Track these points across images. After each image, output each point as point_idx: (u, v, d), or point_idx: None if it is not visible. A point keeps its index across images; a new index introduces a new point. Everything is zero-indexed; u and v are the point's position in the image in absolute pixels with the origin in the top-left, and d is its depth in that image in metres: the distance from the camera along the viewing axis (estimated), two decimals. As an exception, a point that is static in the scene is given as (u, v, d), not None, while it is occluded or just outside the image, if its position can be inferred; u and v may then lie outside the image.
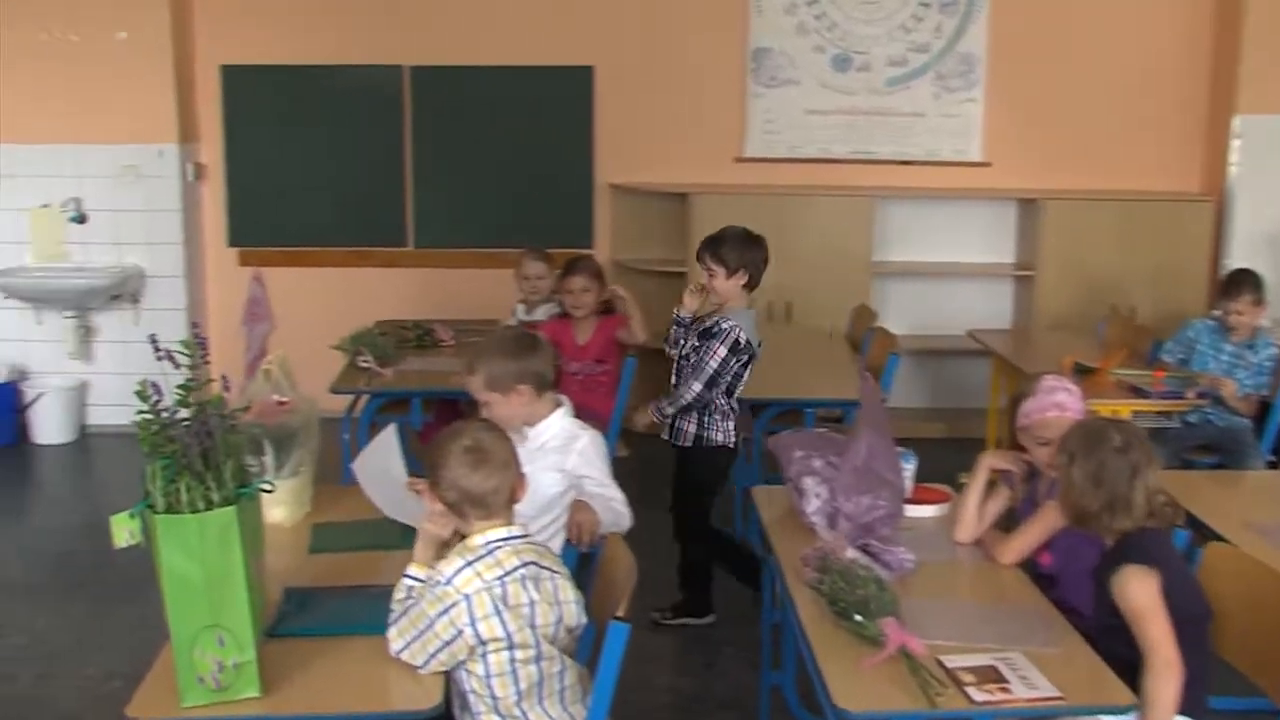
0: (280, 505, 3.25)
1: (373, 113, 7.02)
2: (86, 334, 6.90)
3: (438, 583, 2.49)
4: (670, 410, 4.39)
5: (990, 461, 3.31)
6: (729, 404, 4.42)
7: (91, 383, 6.96)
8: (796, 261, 6.71)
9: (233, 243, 7.16)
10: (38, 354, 6.95)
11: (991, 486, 3.31)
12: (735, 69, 7.03)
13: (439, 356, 5.46)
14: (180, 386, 2.36)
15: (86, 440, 6.90)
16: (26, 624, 4.62)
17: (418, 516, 2.78)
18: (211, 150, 7.08)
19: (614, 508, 3.31)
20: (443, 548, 2.67)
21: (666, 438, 4.48)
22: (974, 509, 3.25)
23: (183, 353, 2.39)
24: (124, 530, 2.32)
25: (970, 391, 7.05)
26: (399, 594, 2.58)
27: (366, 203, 7.12)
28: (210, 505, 2.28)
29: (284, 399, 3.33)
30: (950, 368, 7.24)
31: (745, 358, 4.34)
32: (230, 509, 2.29)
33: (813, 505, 3.26)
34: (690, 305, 4.43)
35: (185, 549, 2.27)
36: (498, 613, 2.48)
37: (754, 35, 6.99)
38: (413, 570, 2.62)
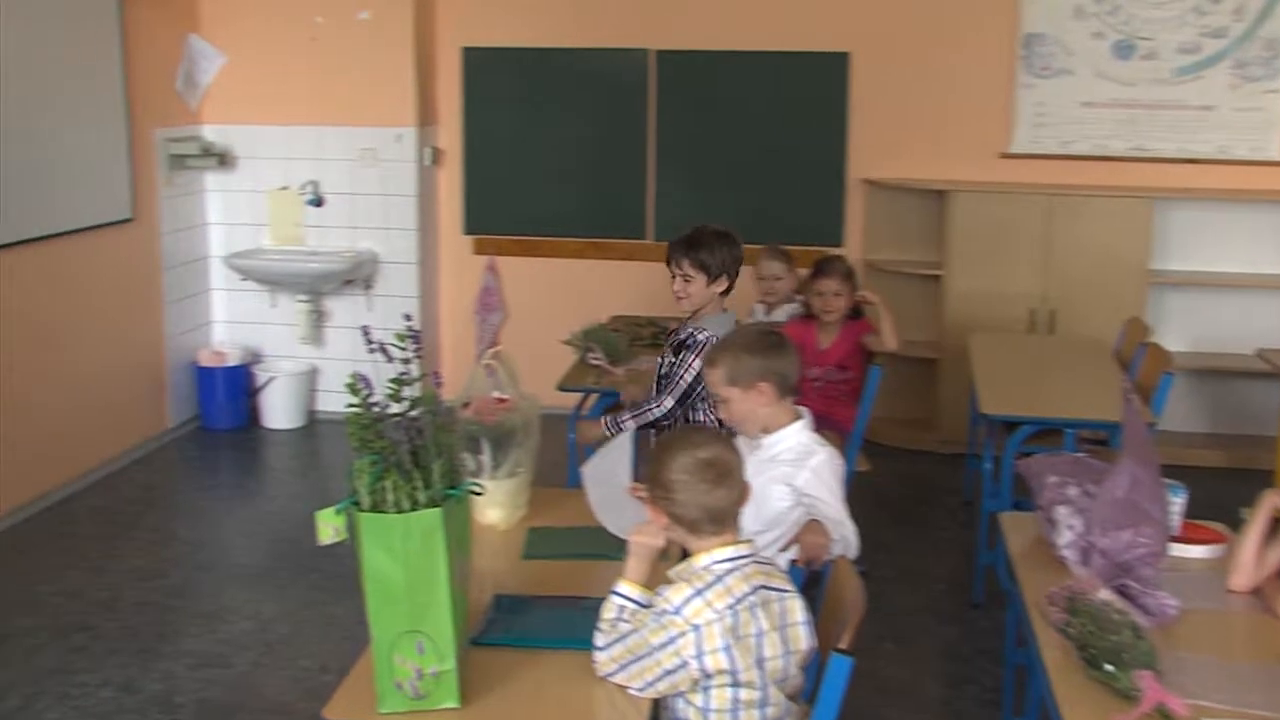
0: (495, 507, 3.29)
1: (615, 98, 7.08)
2: (318, 319, 7.18)
3: (664, 611, 2.45)
4: (630, 424, 4.19)
5: (1277, 500, 3.07)
6: (714, 419, 4.13)
7: (321, 368, 7.25)
8: (1063, 267, 6.47)
9: (468, 230, 7.35)
10: (271, 337, 7.28)
11: (1276, 527, 3.08)
12: (1004, 57, 6.80)
13: (676, 356, 5.46)
14: (391, 381, 2.40)
15: (315, 426, 7.19)
16: (251, 609, 4.83)
17: (623, 524, 2.77)
18: (450, 135, 7.28)
19: (845, 534, 3.23)
20: (656, 562, 2.65)
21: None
22: (1253, 552, 3.03)
23: (396, 345, 2.43)
24: (329, 527, 2.38)
25: (1257, 418, 6.64)
26: (608, 612, 2.55)
27: (605, 192, 7.20)
28: (416, 506, 2.32)
29: (504, 396, 3.37)
30: (1235, 390, 6.83)
31: None
32: (436, 511, 2.31)
33: (1065, 538, 3.11)
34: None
35: (388, 550, 2.30)
36: (726, 647, 2.43)
37: (1026, 20, 6.75)
38: (623, 588, 2.58)
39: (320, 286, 7.07)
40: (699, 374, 4.04)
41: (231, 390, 7.04)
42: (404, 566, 2.31)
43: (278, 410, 7.09)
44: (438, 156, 7.24)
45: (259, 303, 7.25)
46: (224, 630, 4.66)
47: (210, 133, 7.12)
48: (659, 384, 4.25)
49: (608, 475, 3.29)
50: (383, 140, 6.99)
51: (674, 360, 4.22)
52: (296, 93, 7.00)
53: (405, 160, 7.00)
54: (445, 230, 7.38)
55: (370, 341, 2.43)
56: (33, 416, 5.75)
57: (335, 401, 7.16)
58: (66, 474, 6.03)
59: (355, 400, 2.36)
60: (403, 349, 2.42)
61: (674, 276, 4.24)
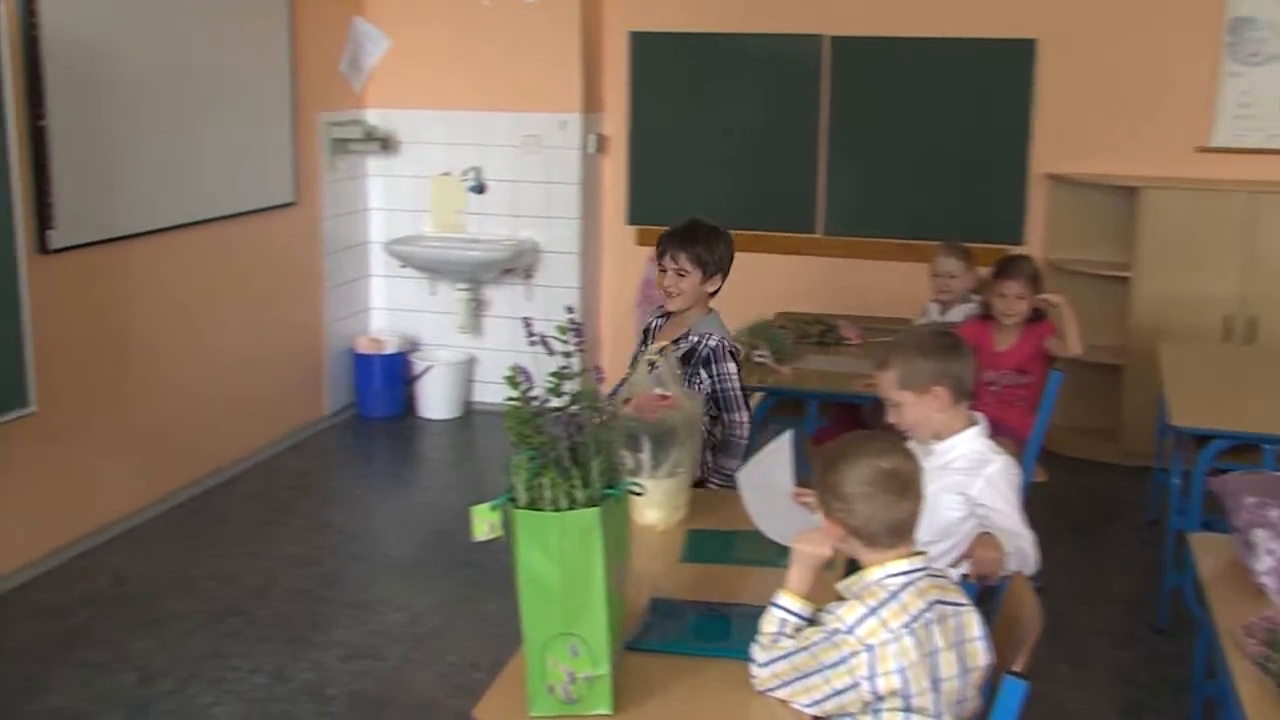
0: (654, 507, 3.28)
1: (787, 86, 7.02)
2: (477, 307, 7.27)
3: (836, 630, 2.41)
4: (736, 463, 3.88)
5: None
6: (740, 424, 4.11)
7: (479, 358, 7.34)
8: (1266, 272, 6.21)
9: (631, 220, 7.36)
10: (430, 325, 7.40)
11: None
12: (1207, 43, 6.55)
13: (842, 356, 5.41)
14: (552, 375, 2.40)
15: (471, 417, 7.28)
16: (402, 602, 4.91)
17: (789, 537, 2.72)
18: (615, 122, 7.31)
19: (1021, 547, 3.14)
20: (820, 571, 2.60)
21: None
22: None
23: (558, 338, 2.43)
24: (484, 523, 2.39)
25: None
26: (769, 626, 2.52)
27: (774, 184, 7.14)
28: (574, 504, 2.31)
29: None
30: None
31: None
32: (594, 510, 2.31)
33: (1264, 564, 2.98)
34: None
35: (544, 549, 2.31)
36: (901, 669, 2.38)
37: (1233, 2, 6.49)
38: (785, 600, 2.54)
39: (480, 275, 7.16)
40: (739, 375, 4.04)
41: (388, 378, 7.18)
42: (560, 566, 2.31)
43: (434, 400, 7.20)
44: (602, 144, 7.27)
45: (418, 290, 7.37)
46: (375, 622, 4.74)
47: (373, 117, 7.26)
48: (718, 403, 4.00)
49: (766, 480, 3.26)
50: (547, 126, 7.04)
51: (703, 375, 3.97)
52: (461, 77, 7.10)
53: (569, 147, 7.05)
54: (608, 220, 7.42)
55: (532, 333, 2.44)
56: (194, 400, 5.94)
57: (492, 392, 7.24)
58: (224, 458, 6.21)
59: (514, 393, 2.36)
60: (565, 342, 2.42)
61: (664, 271, 4.07)
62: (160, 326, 5.71)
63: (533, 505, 2.33)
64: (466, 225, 7.24)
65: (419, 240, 7.25)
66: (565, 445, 2.35)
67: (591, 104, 7.14)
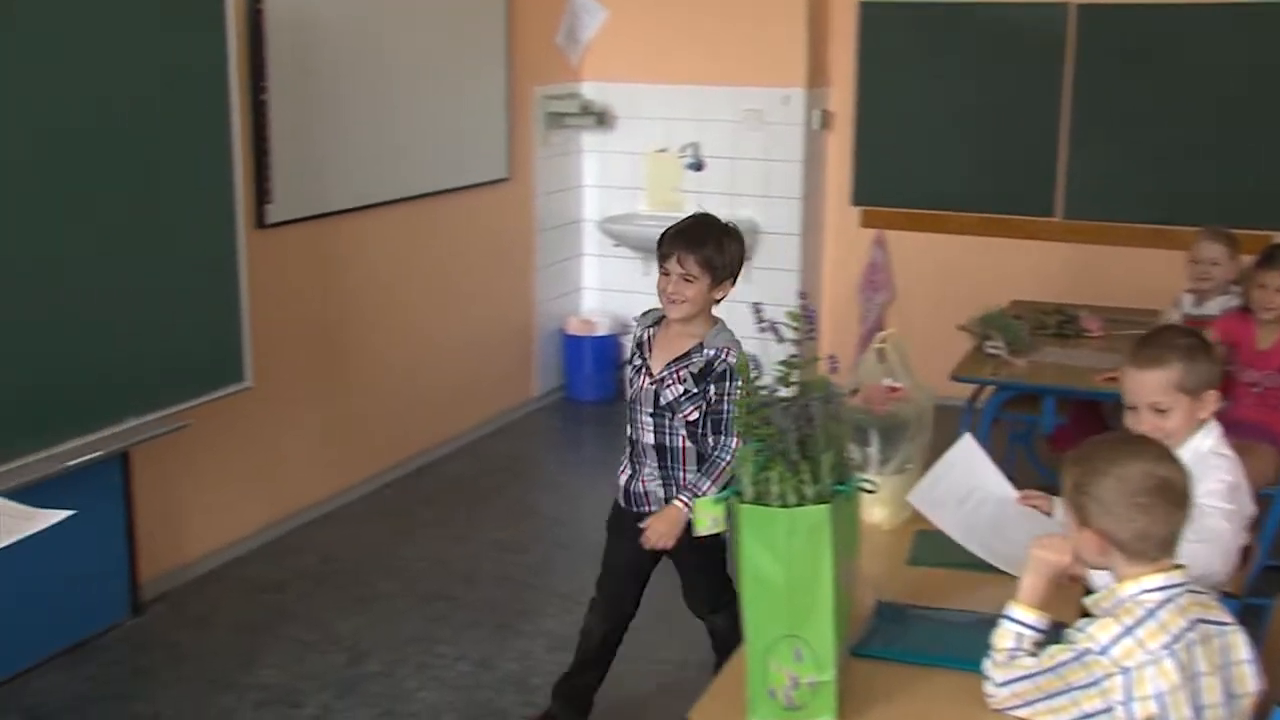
0: (881, 505, 3.24)
1: (1027, 59, 6.85)
2: (693, 290, 7.27)
3: (1088, 650, 2.33)
4: (713, 490, 3.58)
5: None
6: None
7: (693, 343, 7.34)
8: None
9: (856, 201, 7.29)
10: (642, 307, 7.35)
11: None
12: None
13: (1082, 349, 5.25)
14: (782, 363, 2.38)
15: (683, 403, 7.28)
16: (612, 593, 4.95)
17: (1001, 549, 2.65)
18: (841, 97, 7.23)
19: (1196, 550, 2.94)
20: (1057, 581, 2.52)
21: (638, 509, 3.80)
22: None
23: (789, 325, 2.41)
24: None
25: None
26: (1004, 641, 2.44)
27: (1010, 164, 6.98)
28: (802, 500, 2.29)
29: (896, 385, 3.31)
30: None
31: None
32: (824, 507, 2.28)
33: None
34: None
35: (770, 546, 2.29)
36: (1159, 694, 2.28)
37: None
38: (1019, 613, 2.46)
39: (696, 256, 7.15)
40: None
41: (599, 361, 7.24)
42: (786, 565, 2.29)
43: (645, 384, 7.23)
44: (827, 120, 7.20)
45: (630, 270, 7.42)
46: (582, 613, 4.77)
47: (589, 90, 7.33)
48: (666, 429, 3.67)
49: (958, 492, 3.17)
50: (769, 102, 7.01)
51: (711, 392, 3.60)
52: (679, 50, 7.11)
53: (792, 124, 7.00)
54: (831, 200, 7.35)
55: (761, 319, 2.42)
56: (403, 378, 6.10)
57: (705, 379, 7.26)
58: (432, 439, 6.36)
59: (741, 382, 2.35)
60: (795, 329, 2.39)
61: (667, 274, 3.61)
62: (371, 303, 5.87)
63: (759, 500, 2.31)
64: (683, 204, 7.25)
65: (633, 219, 7.30)
66: (794, 438, 2.33)
67: (817, 78, 7.08)
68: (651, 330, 3.78)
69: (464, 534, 5.50)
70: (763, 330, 2.44)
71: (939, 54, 7.00)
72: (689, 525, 3.53)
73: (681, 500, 3.60)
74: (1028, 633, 2.44)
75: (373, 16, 5.65)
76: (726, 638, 3.80)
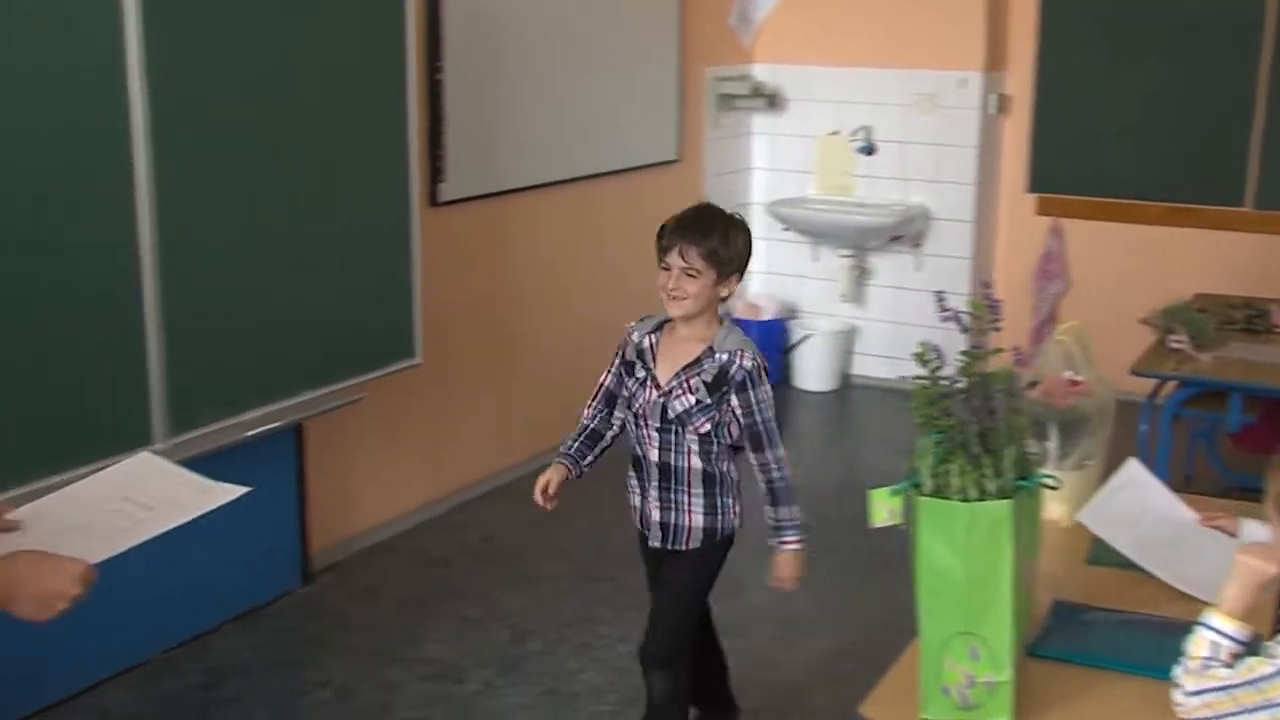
0: (1060, 502, 3.15)
1: (1220, 42, 6.61)
2: (861, 275, 7.21)
3: None
4: (797, 513, 3.53)
5: None
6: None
7: (860, 329, 7.27)
8: None
9: (1032, 188, 7.13)
10: (809, 292, 7.38)
11: None
12: None
13: (1273, 345, 5.06)
14: (964, 353, 2.32)
15: (849, 391, 7.23)
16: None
17: (1183, 570, 2.55)
18: (1019, 81, 7.07)
19: None
20: (1261, 592, 2.42)
21: (658, 542, 3.55)
22: None
23: (971, 314, 2.35)
24: (884, 508, 2.34)
25: None
26: (1200, 649, 2.34)
27: (1197, 151, 6.75)
28: (983, 495, 2.23)
29: (1077, 378, 3.22)
30: None
31: None
32: (1005, 503, 2.22)
33: None
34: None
35: (948, 541, 2.24)
36: None
37: None
38: (1219, 622, 2.35)
39: (865, 241, 7.09)
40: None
41: (764, 345, 7.04)
42: (964, 561, 2.23)
43: (811, 370, 7.19)
44: (1004, 104, 7.06)
45: (798, 255, 7.37)
46: (742, 599, 4.75)
47: (761, 72, 7.28)
48: (673, 446, 3.42)
49: (1123, 516, 3.07)
50: (944, 85, 6.88)
51: (735, 403, 3.35)
52: (854, 31, 7.03)
53: (967, 107, 6.88)
54: (1006, 187, 7.20)
55: (945, 308, 2.37)
56: (567, 357, 6.11)
57: (873, 366, 7.19)
58: (597, 419, 6.37)
59: (923, 372, 2.30)
60: (979, 319, 2.34)
61: (667, 269, 3.33)
62: (537, 282, 5.91)
63: (938, 493, 2.26)
64: (853, 188, 7.17)
65: (803, 202, 7.24)
66: (975, 430, 2.27)
67: (995, 61, 6.93)
68: (654, 337, 3.45)
69: (625, 516, 5.49)
70: (945, 319, 2.38)
71: (1124, 34, 6.80)
72: (688, 559, 3.53)
73: (786, 541, 3.49)
74: (1226, 643, 2.33)
75: (547, 1, 5.68)
76: (660, 708, 3.62)
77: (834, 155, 7.22)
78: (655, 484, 3.45)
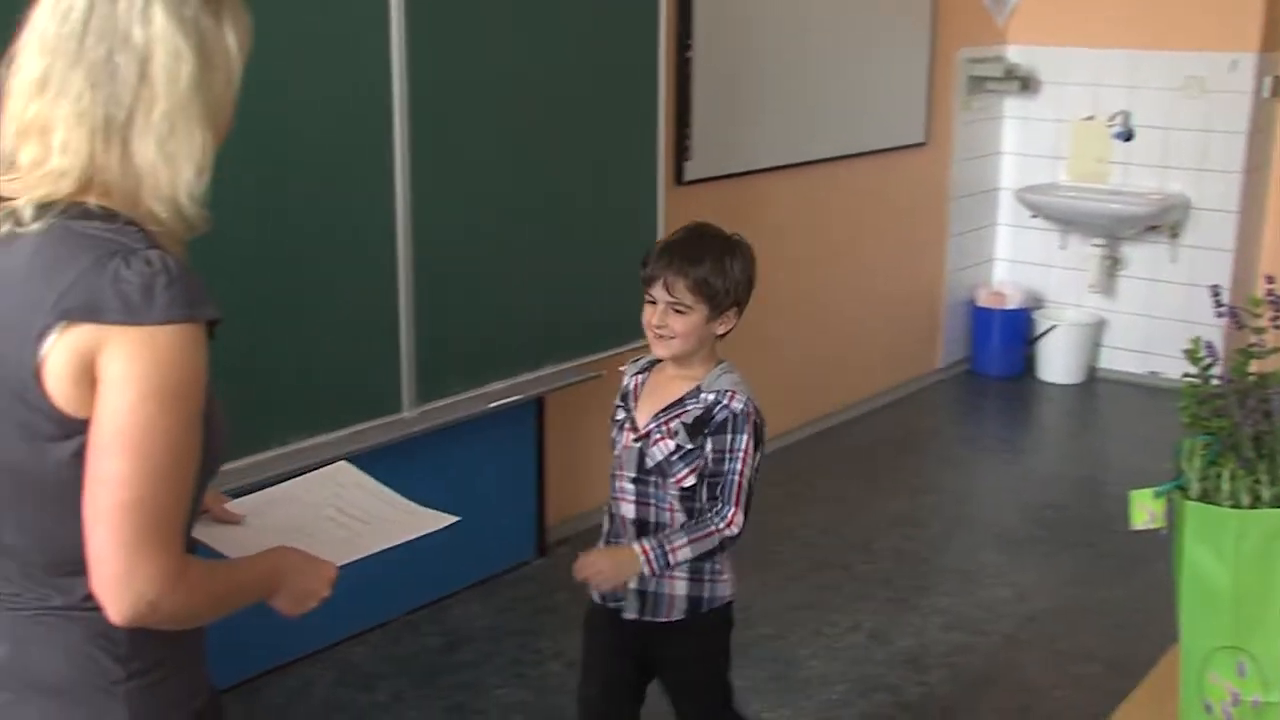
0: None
1: None
2: (1113, 266, 6.95)
3: None
4: (687, 553, 2.78)
5: None
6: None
7: (1109, 321, 7.03)
8: None
9: (1307, 177, 6.78)
10: (1056, 282, 7.16)
11: None
12: None
13: None
14: (1240, 351, 2.20)
15: (1094, 384, 7.00)
16: (1012, 576, 4.80)
17: None
18: (1296, 63, 6.72)
19: None
20: None
21: (635, 613, 2.91)
22: None
23: (1249, 310, 2.23)
24: (1145, 511, 2.23)
25: None
26: None
27: None
28: (1256, 502, 2.11)
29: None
30: None
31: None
32: (1278, 513, 2.10)
33: None
34: None
35: (1216, 549, 2.12)
36: None
37: None
38: None
39: (1119, 230, 6.83)
40: (756, 459, 2.89)
41: (1007, 335, 7.03)
42: (1233, 571, 2.12)
43: (1055, 362, 6.98)
44: (1279, 88, 6.69)
45: (1046, 243, 7.16)
46: (980, 594, 4.66)
47: (1014, 54, 7.07)
48: (656, 492, 2.86)
49: None
50: (1213, 67, 6.56)
51: (708, 446, 2.84)
52: (1113, 11, 6.76)
53: (1239, 91, 6.53)
54: (1277, 176, 6.84)
55: (1220, 303, 2.25)
56: (806, 341, 6.08)
57: (1122, 360, 6.95)
58: (832, 405, 6.33)
59: (1194, 369, 2.19)
60: (1258, 315, 2.21)
61: (653, 303, 2.84)
62: (777, 264, 5.83)
63: (1205, 498, 2.14)
64: (1108, 175, 6.92)
65: (1054, 189, 7.02)
66: (1249, 433, 2.15)
67: (1272, 41, 6.57)
68: (640, 377, 2.97)
69: (861, 503, 5.44)
70: (1220, 315, 2.27)
71: None
72: (676, 637, 2.91)
73: (644, 547, 2.74)
74: None
75: (799, -24, 5.63)
76: None
77: (1089, 140, 6.97)
78: (626, 545, 2.82)
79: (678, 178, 5.14)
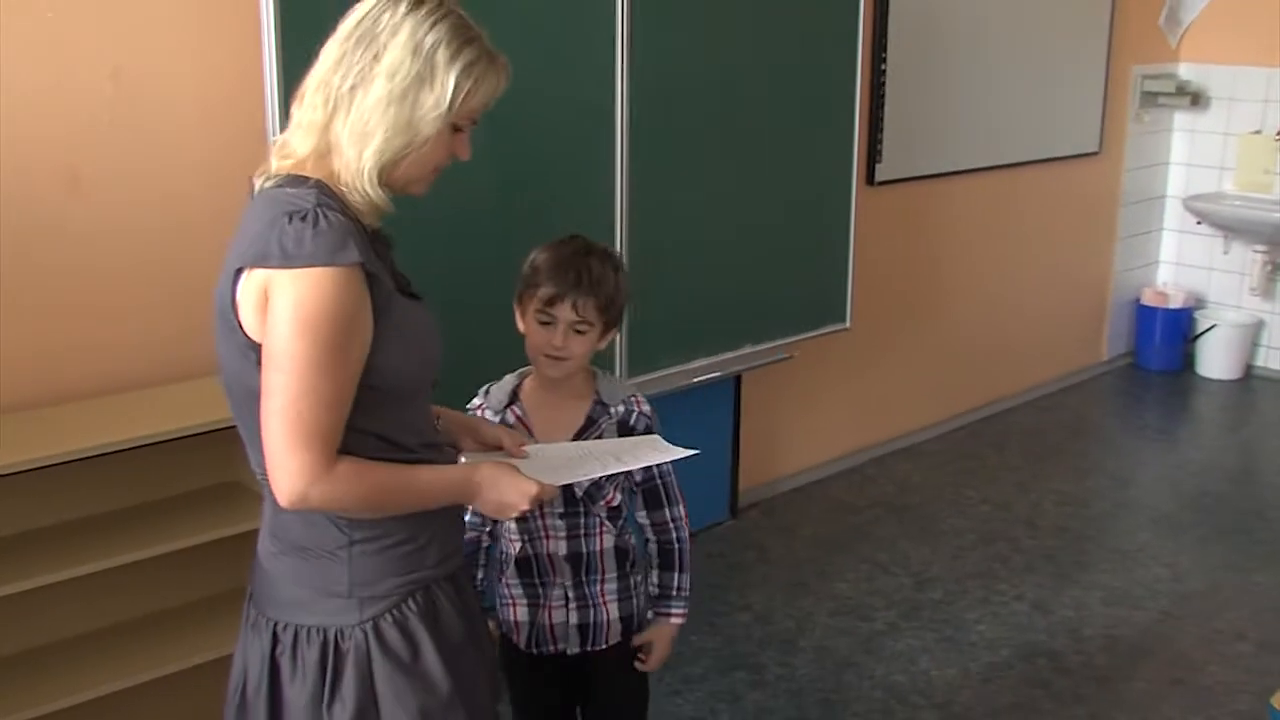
0: None
1: None
2: (1273, 271, 6.63)
3: None
4: (687, 587, 2.59)
5: None
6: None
7: (1268, 323, 6.71)
8: None
9: None
10: (1218, 284, 6.85)
11: None
12: None
13: None
14: None
15: (1252, 381, 6.69)
16: (1167, 557, 4.61)
17: None
18: None
19: None
20: None
21: (577, 648, 2.54)
22: None
23: None
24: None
25: None
26: None
27: None
28: None
29: None
30: None
31: None
32: None
33: None
34: None
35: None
36: None
37: None
38: None
39: (1280, 238, 6.51)
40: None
41: (1169, 333, 6.76)
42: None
43: (1214, 359, 6.68)
44: None
45: (1210, 248, 6.84)
46: (1138, 572, 4.49)
47: (1186, 71, 6.77)
48: (640, 495, 2.56)
49: None
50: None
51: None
52: (1273, 31, 6.41)
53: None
54: None
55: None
56: (982, 330, 5.95)
57: (1278, 359, 6.63)
58: (1004, 389, 6.18)
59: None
60: None
61: (549, 323, 2.37)
62: (956, 260, 5.73)
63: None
64: (1273, 186, 6.58)
65: (1219, 198, 6.70)
66: None
67: None
68: (512, 411, 2.46)
69: (1028, 482, 5.28)
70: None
71: None
72: (612, 659, 2.57)
73: (675, 614, 2.57)
74: None
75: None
76: None
77: (1255, 153, 6.63)
78: (566, 583, 2.50)
79: (869, 178, 5.05)
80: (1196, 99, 6.71)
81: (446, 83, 1.77)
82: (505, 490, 1.92)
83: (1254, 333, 6.71)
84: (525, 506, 1.92)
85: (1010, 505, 5.02)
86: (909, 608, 4.20)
